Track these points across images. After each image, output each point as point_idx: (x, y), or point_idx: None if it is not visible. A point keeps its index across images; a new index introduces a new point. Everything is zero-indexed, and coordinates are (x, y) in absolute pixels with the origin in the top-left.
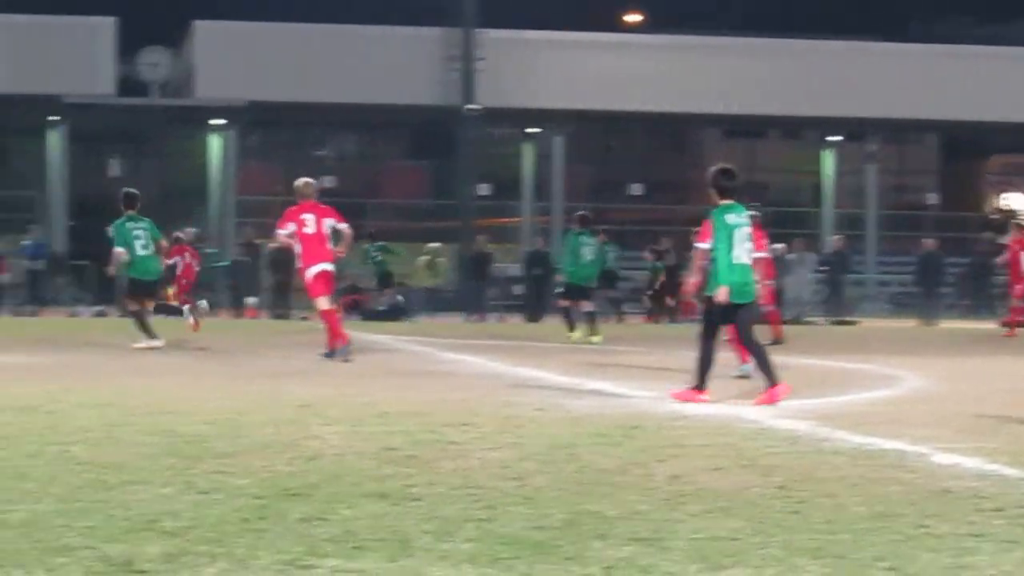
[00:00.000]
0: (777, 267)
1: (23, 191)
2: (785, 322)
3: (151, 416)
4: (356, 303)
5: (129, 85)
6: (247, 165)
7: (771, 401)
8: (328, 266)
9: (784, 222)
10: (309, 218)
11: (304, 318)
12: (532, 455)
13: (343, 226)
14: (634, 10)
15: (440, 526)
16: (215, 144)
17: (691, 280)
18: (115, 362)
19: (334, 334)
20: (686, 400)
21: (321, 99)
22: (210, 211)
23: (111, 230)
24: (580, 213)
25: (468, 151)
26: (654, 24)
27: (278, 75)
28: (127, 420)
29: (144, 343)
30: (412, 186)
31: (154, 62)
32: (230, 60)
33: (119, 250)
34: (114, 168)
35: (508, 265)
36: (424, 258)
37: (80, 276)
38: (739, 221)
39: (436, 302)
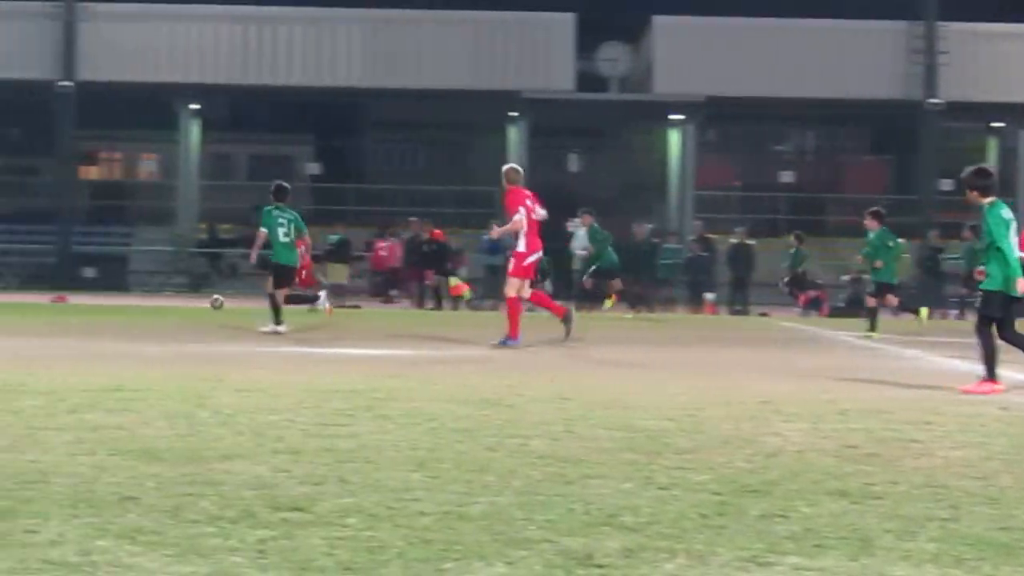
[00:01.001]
0: None
1: (483, 186)
2: None
3: (609, 411)
4: (816, 300)
5: (588, 80)
6: (705, 159)
7: (977, 392)
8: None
9: None
10: (531, 204)
11: (763, 314)
12: (997, 455)
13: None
14: None
15: (902, 525)
16: (673, 139)
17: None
18: (571, 357)
19: (513, 324)
20: (982, 392)
21: (780, 94)
22: (669, 205)
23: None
24: (873, 209)
25: (930, 146)
26: None
27: (736, 70)
28: (585, 414)
29: (270, 328)
30: (872, 181)
31: (613, 57)
32: (688, 55)
33: (262, 231)
34: (572, 163)
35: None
36: None
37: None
38: (1011, 216)
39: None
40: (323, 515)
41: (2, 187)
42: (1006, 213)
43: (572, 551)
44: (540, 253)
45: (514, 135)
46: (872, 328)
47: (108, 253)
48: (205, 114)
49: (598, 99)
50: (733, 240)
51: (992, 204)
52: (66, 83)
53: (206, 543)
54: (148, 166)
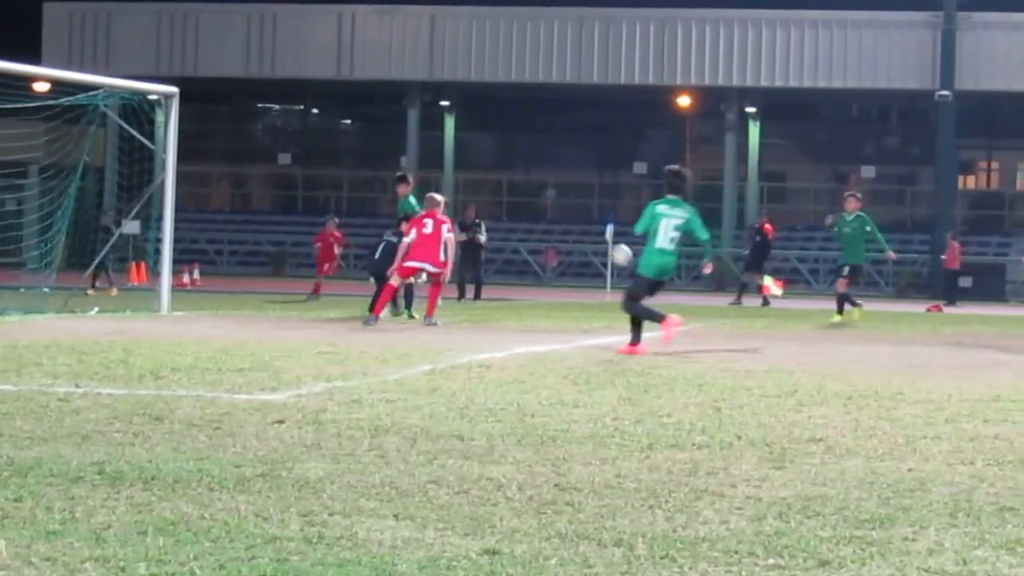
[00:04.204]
0: None
1: None
2: None
3: None
4: None
5: None
6: None
7: None
8: (423, 265)
9: None
10: (429, 222)
11: None
12: None
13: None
14: None
15: None
16: None
17: None
18: None
19: (380, 302)
20: None
21: None
22: None
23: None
24: None
25: None
26: None
27: None
28: None
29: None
30: None
31: None
32: None
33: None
34: None
35: None
36: None
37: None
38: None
39: None
40: None
41: (881, 195)
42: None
43: None
44: (416, 264)
45: None
46: None
47: (985, 263)
48: None
49: None
50: None
51: None
52: (945, 92)
53: None
54: None
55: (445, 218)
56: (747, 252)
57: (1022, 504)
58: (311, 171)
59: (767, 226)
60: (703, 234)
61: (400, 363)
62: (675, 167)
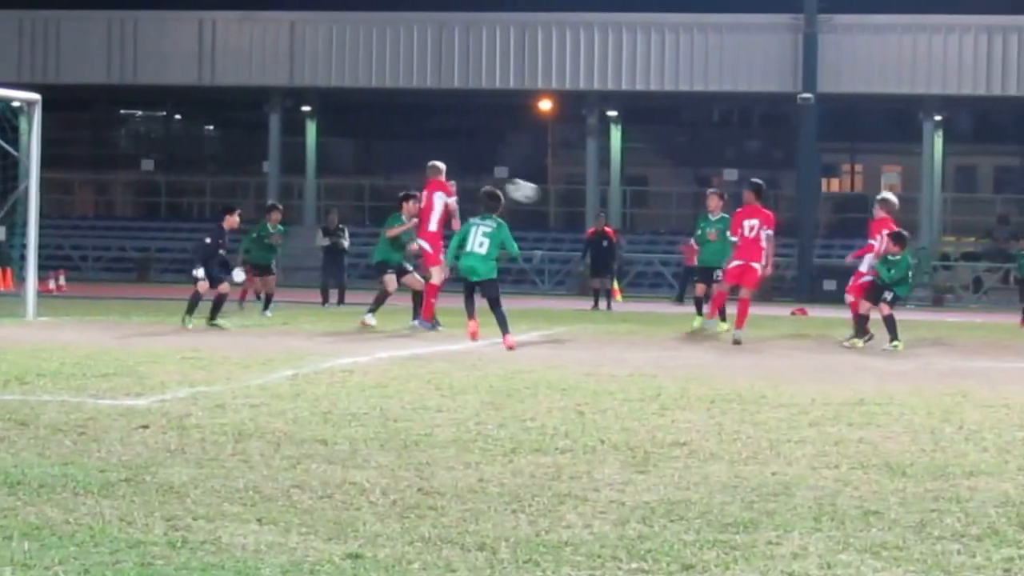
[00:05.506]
0: None
1: None
2: None
3: None
4: None
5: None
6: None
7: None
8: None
9: None
10: (425, 194)
11: None
12: None
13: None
14: None
15: None
16: None
17: None
18: None
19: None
20: None
21: None
22: None
23: None
24: None
25: None
26: None
27: None
28: None
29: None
30: None
31: None
32: None
33: None
34: None
35: None
36: None
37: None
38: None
39: None
40: None
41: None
42: None
43: None
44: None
45: None
46: None
47: (850, 266)
48: (948, 125)
49: None
50: None
51: None
52: (807, 95)
53: (950, 560)
54: (890, 178)
55: (443, 185)
56: (589, 258)
57: (886, 508)
58: (174, 177)
59: (609, 230)
60: (512, 246)
61: (263, 368)
62: (491, 189)
